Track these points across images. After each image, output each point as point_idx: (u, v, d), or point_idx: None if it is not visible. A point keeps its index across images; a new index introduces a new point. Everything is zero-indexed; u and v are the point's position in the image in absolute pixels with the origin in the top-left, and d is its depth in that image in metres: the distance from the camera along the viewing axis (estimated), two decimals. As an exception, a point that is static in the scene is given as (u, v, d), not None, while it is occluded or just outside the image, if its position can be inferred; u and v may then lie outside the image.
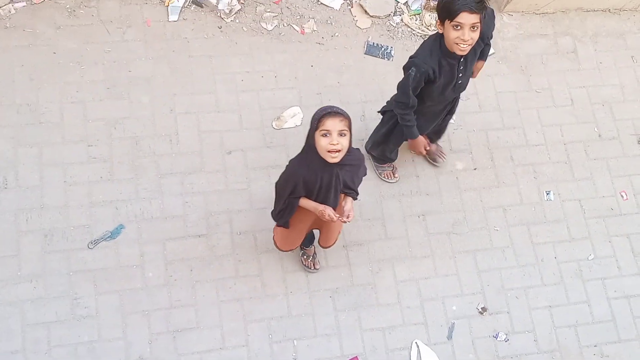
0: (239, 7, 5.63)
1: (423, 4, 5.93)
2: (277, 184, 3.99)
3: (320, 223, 4.38)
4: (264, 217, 5.01)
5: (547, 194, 5.45)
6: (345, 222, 4.02)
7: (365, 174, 4.11)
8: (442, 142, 5.41)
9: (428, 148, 4.71)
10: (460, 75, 4.24)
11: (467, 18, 3.75)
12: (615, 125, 5.77)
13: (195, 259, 4.87)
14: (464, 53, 3.96)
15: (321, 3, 5.77)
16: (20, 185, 4.87)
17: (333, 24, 5.74)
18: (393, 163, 5.27)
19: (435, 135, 5.17)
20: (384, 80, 5.41)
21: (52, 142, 5.00)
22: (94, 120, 5.09)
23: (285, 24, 5.67)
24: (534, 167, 5.52)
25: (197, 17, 5.57)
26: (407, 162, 5.35)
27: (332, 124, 3.52)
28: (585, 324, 5.13)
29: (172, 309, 4.73)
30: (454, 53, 4.00)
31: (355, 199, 4.09)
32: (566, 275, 5.24)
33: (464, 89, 4.48)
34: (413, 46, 5.62)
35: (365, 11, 5.80)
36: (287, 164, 3.91)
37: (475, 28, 3.81)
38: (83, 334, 4.59)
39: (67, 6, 5.40)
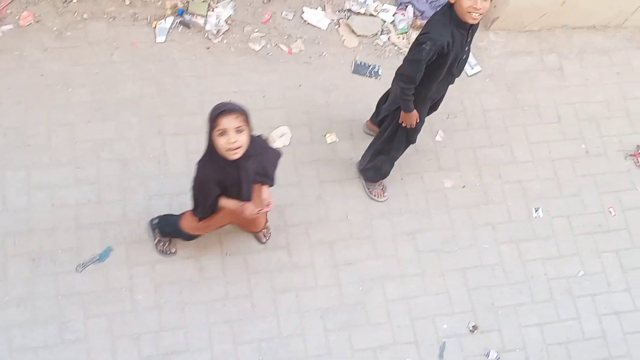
0: (227, 28, 5.64)
1: (410, 23, 5.95)
2: (192, 188, 3.94)
3: (241, 218, 4.36)
4: (253, 240, 5.01)
5: (536, 210, 5.46)
6: (267, 211, 4.03)
7: (279, 157, 4.07)
8: (429, 160, 5.42)
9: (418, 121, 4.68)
10: (467, 49, 4.30)
11: None
12: (602, 142, 5.80)
13: (184, 281, 4.84)
14: (476, 21, 4.05)
15: (308, 23, 5.79)
16: (8, 208, 4.84)
17: (320, 43, 5.76)
18: (383, 181, 5.27)
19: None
20: (372, 99, 5.40)
21: (40, 165, 4.98)
22: (82, 142, 5.07)
23: (273, 44, 5.68)
24: (522, 184, 5.53)
25: (185, 38, 5.58)
26: (395, 180, 5.35)
27: (228, 122, 3.48)
28: (576, 341, 5.13)
29: (162, 331, 4.70)
30: (465, 23, 4.07)
31: (271, 185, 4.04)
32: (556, 292, 5.25)
33: (463, 69, 4.53)
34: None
35: (353, 31, 5.83)
36: (195, 167, 3.83)
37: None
38: (72, 359, 4.55)
39: (55, 28, 5.39)
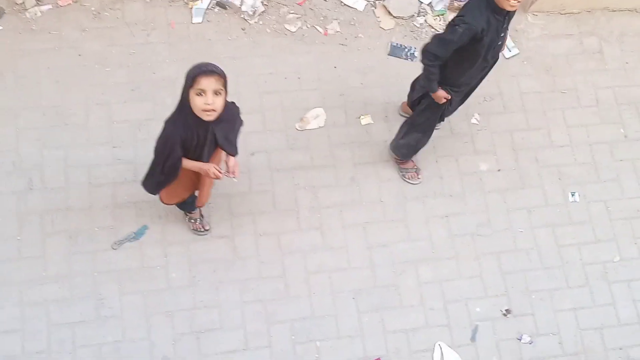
0: (263, 9, 5.64)
1: (447, 4, 5.90)
2: (155, 148, 3.83)
3: (198, 183, 4.34)
4: (288, 219, 5.03)
5: (572, 195, 5.40)
6: (232, 177, 4.04)
7: (241, 125, 4.07)
8: (465, 143, 5.39)
9: (449, 98, 4.59)
10: (502, 35, 4.25)
11: None
12: (642, 126, 5.72)
13: (218, 260, 4.89)
14: (515, 9, 4.01)
15: (344, 4, 5.76)
16: (46, 186, 4.91)
17: (356, 25, 5.73)
18: (416, 164, 5.25)
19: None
20: (408, 81, 5.36)
21: (77, 144, 5.04)
22: (119, 122, 5.12)
23: (309, 26, 5.67)
24: (559, 168, 5.47)
25: (221, 19, 5.59)
26: (430, 163, 5.33)
27: (207, 83, 3.46)
28: (611, 327, 5.08)
29: (196, 309, 4.75)
30: (502, 9, 4.03)
31: (234, 155, 4.02)
32: (591, 277, 5.19)
33: (498, 56, 4.47)
34: (437, 47, 5.60)
35: (389, 12, 5.79)
36: (163, 125, 3.78)
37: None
38: (107, 335, 4.63)
39: (92, 9, 5.44)
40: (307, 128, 5.32)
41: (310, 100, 5.42)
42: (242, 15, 5.62)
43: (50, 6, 5.41)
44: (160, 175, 3.95)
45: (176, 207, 4.76)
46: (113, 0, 5.49)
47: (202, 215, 4.94)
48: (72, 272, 4.74)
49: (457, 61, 4.29)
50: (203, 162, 3.94)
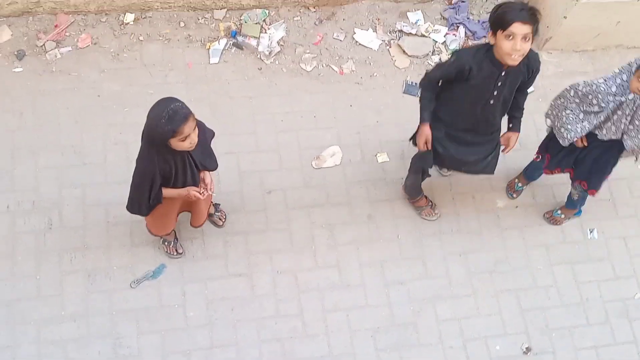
0: (279, 49, 5.71)
1: (461, 43, 5.95)
2: (133, 185, 3.97)
3: (189, 205, 4.44)
4: (305, 257, 5.03)
5: (591, 232, 5.38)
6: (211, 193, 4.18)
7: (212, 136, 4.17)
8: (481, 180, 5.38)
9: (429, 147, 4.50)
10: (496, 93, 4.19)
11: (520, 28, 3.78)
12: (659, 162, 5.70)
13: (236, 298, 4.88)
14: (516, 63, 3.95)
15: (359, 44, 5.83)
16: (65, 225, 4.94)
17: (371, 64, 5.78)
18: (430, 200, 5.25)
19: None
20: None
21: (96, 183, 5.08)
22: (137, 161, 5.16)
23: (324, 65, 5.73)
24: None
25: (238, 59, 5.66)
26: (446, 200, 5.33)
27: (188, 128, 3.56)
28: (633, 365, 5.02)
29: (213, 348, 4.73)
30: (499, 63, 4.01)
31: (214, 169, 4.18)
32: (612, 314, 5.14)
33: (494, 117, 4.37)
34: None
35: (404, 51, 5.84)
36: (136, 164, 3.88)
37: (527, 39, 3.82)
38: (125, 374, 4.62)
39: (111, 50, 5.52)
40: (323, 166, 5.34)
41: (326, 138, 5.45)
42: (259, 56, 5.68)
43: (70, 48, 5.50)
44: (147, 202, 4.03)
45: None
46: (131, 41, 5.58)
47: (176, 239, 4.95)
48: (90, 311, 4.73)
49: (447, 96, 4.30)
50: (191, 185, 4.06)
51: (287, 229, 5.12)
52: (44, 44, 5.47)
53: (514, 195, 5.40)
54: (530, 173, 5.29)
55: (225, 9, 5.79)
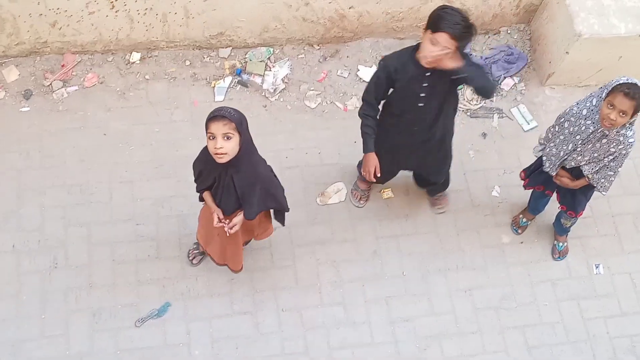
0: (283, 87, 5.76)
1: (464, 79, 5.98)
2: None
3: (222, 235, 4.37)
4: (310, 294, 5.03)
5: (597, 267, 5.36)
6: (226, 231, 4.13)
7: (270, 187, 4.10)
8: (486, 215, 5.39)
9: (378, 175, 4.42)
10: (423, 95, 4.15)
11: (445, 40, 3.76)
12: (664, 197, 5.70)
13: (241, 336, 4.86)
14: (427, 66, 3.94)
15: (363, 80, 5.86)
16: (70, 264, 4.95)
17: (375, 100, 5.81)
18: (368, 190, 5.31)
19: (422, 182, 5.19)
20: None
21: (101, 222, 5.10)
22: (142, 199, 5.19)
23: (328, 102, 5.76)
24: (582, 240, 5.44)
25: (243, 96, 5.70)
26: (451, 236, 5.33)
27: (216, 128, 3.59)
28: (641, 402, 4.98)
29: (219, 387, 4.72)
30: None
31: (247, 217, 4.08)
32: (619, 351, 5.10)
33: (429, 121, 4.34)
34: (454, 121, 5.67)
35: (407, 87, 5.88)
36: None
37: (449, 50, 3.80)
38: (130, 414, 4.60)
39: (117, 89, 5.58)
40: (328, 202, 5.36)
41: (331, 174, 5.47)
42: (263, 93, 5.73)
43: (76, 87, 5.55)
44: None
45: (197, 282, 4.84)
46: (137, 80, 5.63)
47: (203, 253, 4.98)
48: (95, 350, 4.73)
49: (384, 111, 4.30)
50: (219, 205, 4.10)
51: (292, 266, 5.12)
52: (50, 84, 5.53)
53: (519, 231, 5.40)
54: (533, 206, 5.29)
55: (230, 48, 5.84)
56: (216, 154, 3.66)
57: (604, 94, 4.04)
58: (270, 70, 5.80)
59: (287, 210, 4.32)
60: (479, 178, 5.48)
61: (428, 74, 4.05)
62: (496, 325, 5.09)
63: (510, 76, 5.99)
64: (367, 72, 5.88)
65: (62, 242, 5.01)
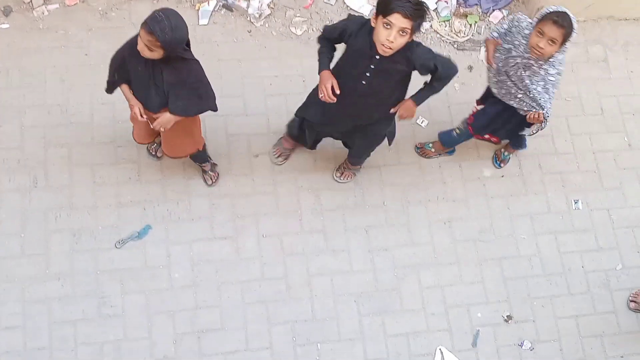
0: (269, 12, 5.66)
1: (453, 10, 5.91)
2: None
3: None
4: (291, 221, 5.04)
5: (576, 202, 5.41)
6: (153, 128, 4.17)
7: (205, 98, 4.10)
8: (468, 148, 5.39)
9: (337, 93, 4.08)
10: (369, 74, 3.99)
11: (399, 21, 3.62)
12: (645, 135, 5.73)
13: (221, 260, 4.90)
14: (384, 54, 3.80)
15: (350, 8, 5.78)
16: (50, 185, 4.92)
17: (362, 29, 5.74)
18: (291, 149, 5.21)
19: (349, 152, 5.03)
20: (412, 83, 5.40)
21: (82, 143, 5.06)
22: (123, 121, 5.12)
23: (315, 29, 5.68)
24: (562, 175, 5.48)
25: (227, 21, 5.61)
26: (433, 168, 5.34)
27: (143, 35, 3.62)
28: (612, 335, 5.08)
29: (197, 309, 4.76)
30: (375, 46, 3.85)
31: (173, 113, 4.05)
32: (593, 285, 5.20)
33: (369, 102, 4.18)
34: (442, 52, 5.60)
35: (395, 17, 5.80)
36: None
37: (404, 33, 3.66)
38: (109, 333, 4.64)
39: (100, 8, 5.46)
40: (311, 131, 5.34)
41: (315, 103, 5.43)
42: (248, 18, 5.63)
43: (57, 5, 5.43)
44: (110, 79, 4.19)
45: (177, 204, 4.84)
46: (120, 0, 5.51)
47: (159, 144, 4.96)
48: (75, 270, 4.74)
49: (333, 71, 4.17)
50: (139, 98, 4.08)
51: (274, 193, 5.12)
52: (31, 1, 5.39)
53: (501, 165, 5.42)
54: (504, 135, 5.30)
55: (216, -30, 5.73)
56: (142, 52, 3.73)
57: (535, 22, 4.10)
58: (256, -6, 5.70)
59: (215, 109, 4.28)
60: (464, 111, 5.44)
61: (377, 57, 3.88)
62: (474, 257, 5.15)
63: (499, 9, 5.92)
64: (355, 0, 5.79)
65: (42, 162, 4.97)
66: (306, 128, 4.75)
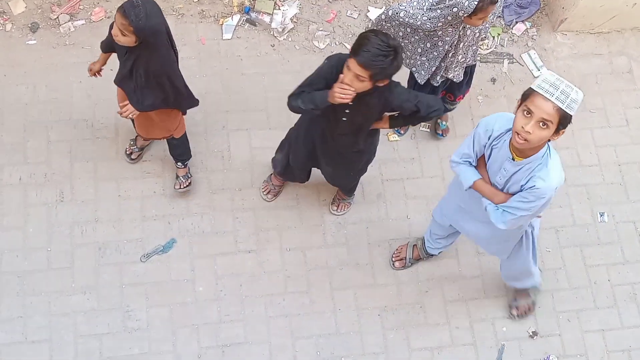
0: (292, 26, 5.69)
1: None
2: None
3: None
4: (314, 234, 5.05)
5: (601, 215, 5.36)
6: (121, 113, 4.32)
7: (176, 89, 4.18)
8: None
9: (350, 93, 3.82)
10: (347, 111, 3.93)
11: (355, 66, 3.55)
12: (672, 147, 5.67)
13: (244, 274, 4.91)
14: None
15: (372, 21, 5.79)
16: (76, 199, 4.98)
17: (385, 42, 5.75)
18: (280, 187, 5.15)
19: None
20: (435, 99, 5.41)
21: (107, 157, 5.11)
22: (148, 136, 5.18)
23: (337, 43, 5.70)
24: (587, 188, 5.43)
25: (251, 35, 5.65)
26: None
27: (118, 18, 3.73)
28: (639, 349, 5.01)
29: (221, 323, 4.77)
30: None
31: (136, 108, 4.24)
32: (620, 298, 5.14)
33: (350, 136, 4.16)
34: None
35: (417, 30, 5.81)
36: None
37: (362, 80, 3.58)
38: (134, 347, 4.67)
39: (125, 24, 5.52)
40: (334, 144, 5.34)
41: (338, 116, 5.44)
42: (272, 32, 5.67)
43: (83, 21, 5.50)
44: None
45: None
46: (145, 16, 5.56)
47: (141, 148, 5.09)
48: (100, 284, 4.78)
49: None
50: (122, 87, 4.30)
51: (297, 207, 5.14)
52: (57, 17, 5.48)
53: (443, 135, 5.43)
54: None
55: (239, -15, 5.78)
56: (116, 37, 3.84)
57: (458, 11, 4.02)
58: (279, 9, 5.73)
59: (196, 104, 4.44)
60: (487, 123, 5.44)
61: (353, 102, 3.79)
62: (497, 270, 5.10)
63: (522, 21, 5.91)
64: (377, 13, 5.80)
65: (69, 176, 5.03)
66: (293, 167, 4.72)
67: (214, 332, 4.75)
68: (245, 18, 5.68)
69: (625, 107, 5.74)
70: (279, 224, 5.06)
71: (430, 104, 4.01)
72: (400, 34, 4.43)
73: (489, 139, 3.64)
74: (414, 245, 4.99)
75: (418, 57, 4.52)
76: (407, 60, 4.58)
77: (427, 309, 4.96)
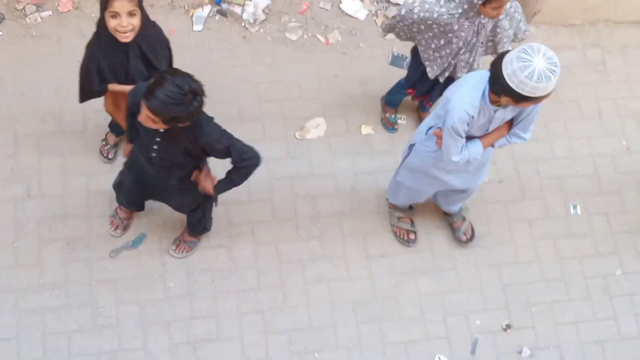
0: (264, 17, 5.62)
1: (449, 14, 5.87)
2: (80, 74, 4.05)
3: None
4: (287, 228, 5.01)
5: (574, 207, 5.37)
6: None
7: (167, 46, 4.15)
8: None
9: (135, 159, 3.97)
10: (156, 147, 3.72)
11: (121, 6, 3.55)
12: (644, 139, 5.69)
13: (216, 269, 4.86)
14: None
15: (346, 14, 5.74)
16: (44, 193, 4.88)
17: (358, 34, 5.71)
18: (128, 219, 4.89)
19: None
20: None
21: (76, 151, 5.02)
22: (118, 129, 5.10)
23: (310, 34, 5.65)
24: (561, 180, 5.44)
25: (222, 27, 5.57)
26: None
27: (120, 6, 3.57)
28: (612, 341, 5.03)
29: (193, 319, 4.72)
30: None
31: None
32: (593, 290, 5.15)
33: (163, 173, 3.94)
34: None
35: (391, 21, 5.77)
36: (85, 51, 3.95)
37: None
38: (104, 344, 4.60)
39: (93, 15, 5.41)
40: (307, 137, 5.30)
41: (311, 109, 5.39)
42: (243, 24, 5.60)
43: (50, 12, 5.39)
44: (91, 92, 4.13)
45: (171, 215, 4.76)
46: (114, 7, 5.47)
47: (114, 145, 4.99)
48: (69, 280, 4.70)
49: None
50: (131, 84, 3.97)
51: (270, 200, 5.09)
52: (23, 8, 5.36)
53: (395, 128, 5.42)
54: (395, 102, 5.33)
55: (210, -25, 5.70)
56: (122, 32, 3.65)
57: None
58: (250, 0, 5.66)
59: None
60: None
61: (161, 130, 3.56)
62: (472, 263, 5.11)
63: (496, 12, 5.88)
64: (350, 5, 5.76)
65: (36, 170, 4.93)
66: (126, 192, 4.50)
67: (185, 328, 4.69)
68: (216, 9, 5.60)
69: (598, 99, 5.75)
70: (250, 218, 5.01)
71: (244, 150, 3.80)
72: (415, 29, 4.44)
73: (472, 118, 3.77)
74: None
75: (432, 53, 4.51)
76: (422, 55, 4.57)
77: (401, 302, 4.94)
